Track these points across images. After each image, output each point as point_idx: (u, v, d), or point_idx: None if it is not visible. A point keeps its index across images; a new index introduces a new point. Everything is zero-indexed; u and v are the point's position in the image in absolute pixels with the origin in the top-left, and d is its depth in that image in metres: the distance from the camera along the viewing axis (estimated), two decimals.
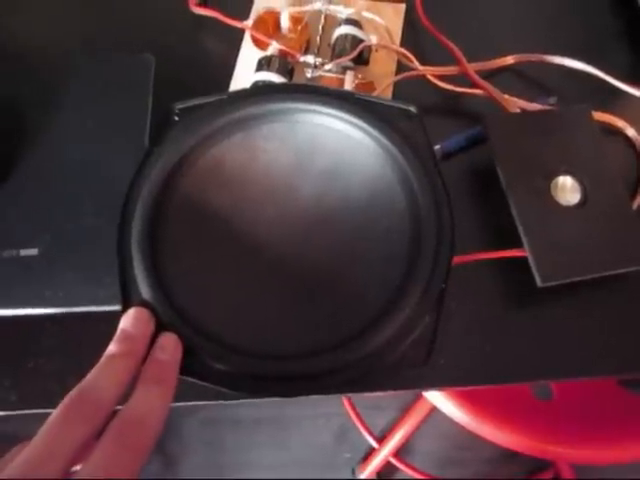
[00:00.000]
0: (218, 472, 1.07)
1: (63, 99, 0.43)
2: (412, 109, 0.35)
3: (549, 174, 0.39)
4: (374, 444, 1.04)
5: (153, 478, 1.04)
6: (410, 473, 1.02)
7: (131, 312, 0.29)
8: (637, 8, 0.49)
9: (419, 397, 0.88)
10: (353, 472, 1.06)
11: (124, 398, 0.25)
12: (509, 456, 1.03)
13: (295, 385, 0.28)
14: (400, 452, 1.02)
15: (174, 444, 1.08)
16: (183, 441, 1.09)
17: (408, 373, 0.33)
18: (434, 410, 0.71)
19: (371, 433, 1.05)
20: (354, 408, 1.06)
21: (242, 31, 0.47)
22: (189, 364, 0.28)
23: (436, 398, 0.63)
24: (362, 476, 1.04)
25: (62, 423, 0.23)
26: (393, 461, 1.02)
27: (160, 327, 0.29)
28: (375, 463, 1.02)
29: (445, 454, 1.08)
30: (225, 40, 0.48)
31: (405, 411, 0.96)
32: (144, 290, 0.29)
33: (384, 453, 1.00)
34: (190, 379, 0.28)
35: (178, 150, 0.33)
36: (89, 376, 0.25)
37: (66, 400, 0.24)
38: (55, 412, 0.24)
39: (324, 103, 0.34)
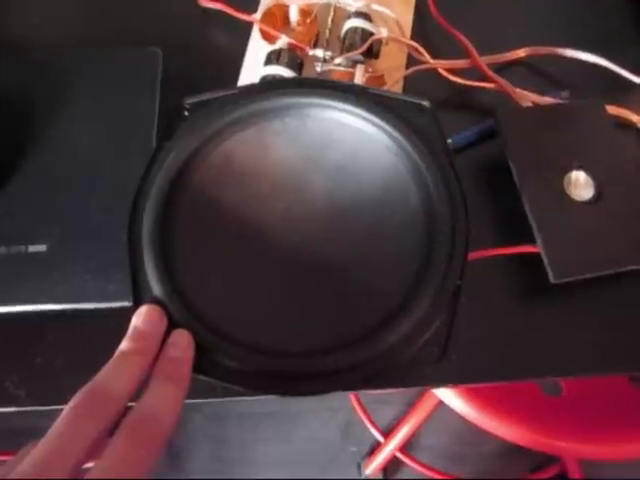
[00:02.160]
0: (223, 466, 1.07)
1: (70, 95, 0.43)
2: (425, 103, 0.34)
3: (562, 169, 0.39)
4: (380, 438, 1.04)
5: (158, 479, 1.04)
6: (416, 468, 1.02)
7: (143, 309, 0.28)
8: None
9: (425, 392, 0.87)
10: (359, 467, 1.06)
11: (136, 396, 0.25)
12: (515, 451, 1.03)
13: (311, 383, 0.28)
14: (406, 447, 1.02)
15: (179, 438, 1.09)
16: (188, 435, 1.09)
17: (423, 370, 0.32)
18: (440, 404, 0.71)
19: (377, 427, 1.05)
20: (360, 402, 1.06)
21: (250, 24, 0.47)
22: (201, 362, 0.28)
23: (443, 393, 0.63)
24: (368, 471, 1.04)
25: (73, 420, 0.23)
26: (399, 455, 1.02)
27: (172, 324, 0.28)
28: (381, 458, 1.02)
29: (451, 449, 1.08)
30: (233, 33, 0.47)
31: (411, 406, 0.96)
32: (155, 287, 0.29)
33: (390, 448, 1.00)
34: (202, 377, 0.28)
35: (189, 145, 0.33)
36: (101, 373, 0.25)
37: (77, 397, 0.24)
38: (66, 409, 0.23)
39: (336, 98, 0.33)
